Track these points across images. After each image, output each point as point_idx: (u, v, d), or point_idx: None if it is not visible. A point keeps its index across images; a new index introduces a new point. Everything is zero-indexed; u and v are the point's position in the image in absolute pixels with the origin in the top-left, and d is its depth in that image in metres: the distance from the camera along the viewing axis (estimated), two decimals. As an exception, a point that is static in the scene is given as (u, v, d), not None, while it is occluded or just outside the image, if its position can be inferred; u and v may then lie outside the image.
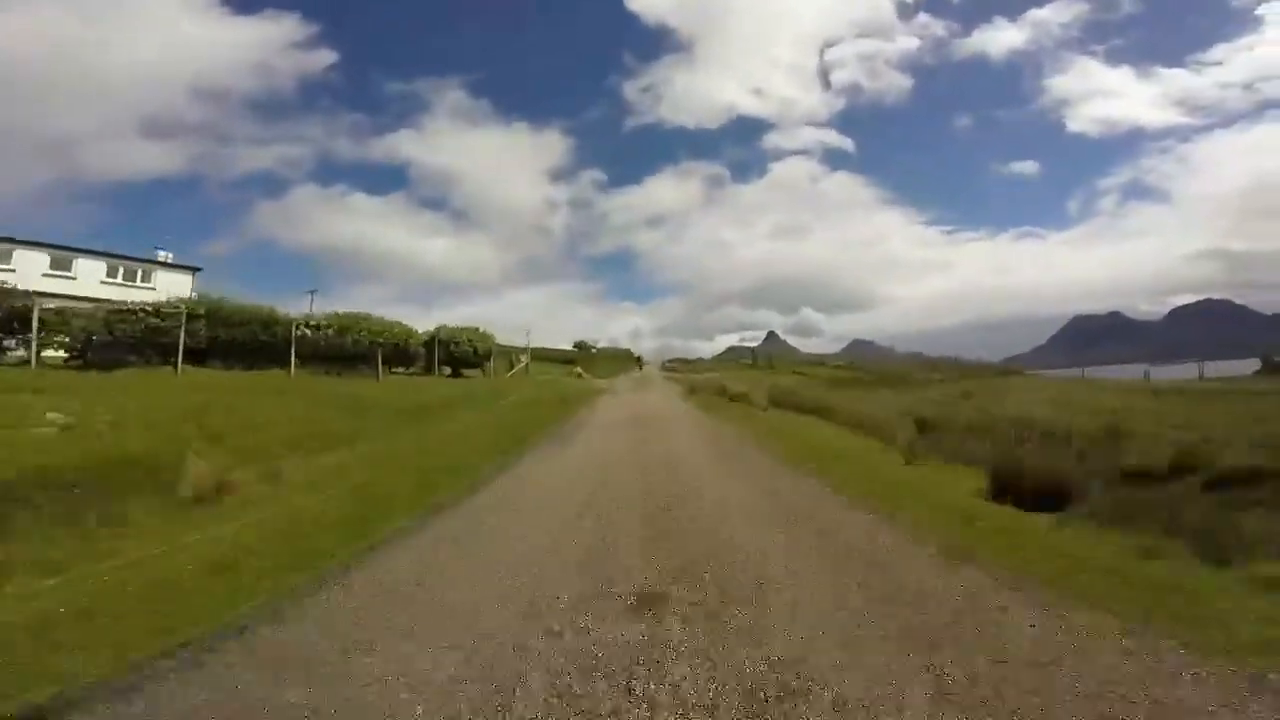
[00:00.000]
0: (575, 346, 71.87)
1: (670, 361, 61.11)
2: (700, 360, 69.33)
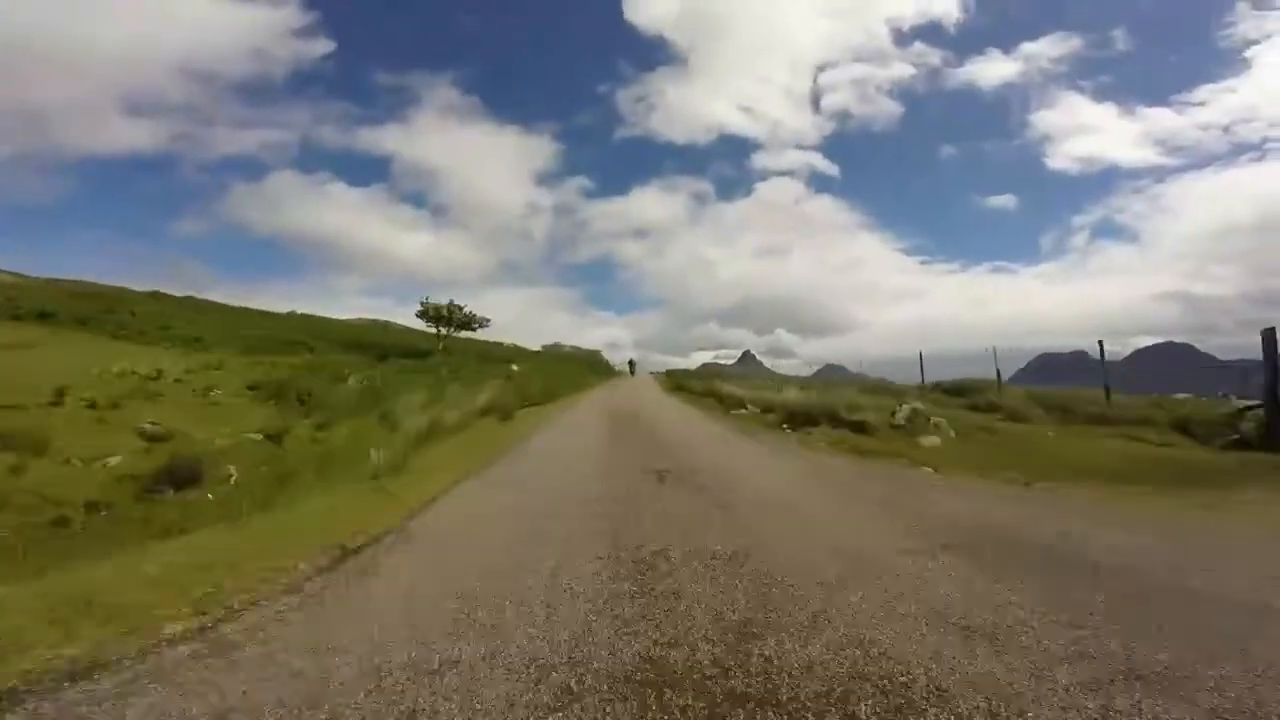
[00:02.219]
0: (424, 318, 38.46)
1: (710, 375, 30.76)
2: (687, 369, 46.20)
